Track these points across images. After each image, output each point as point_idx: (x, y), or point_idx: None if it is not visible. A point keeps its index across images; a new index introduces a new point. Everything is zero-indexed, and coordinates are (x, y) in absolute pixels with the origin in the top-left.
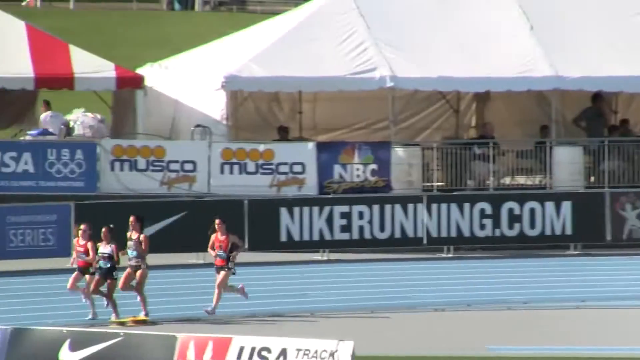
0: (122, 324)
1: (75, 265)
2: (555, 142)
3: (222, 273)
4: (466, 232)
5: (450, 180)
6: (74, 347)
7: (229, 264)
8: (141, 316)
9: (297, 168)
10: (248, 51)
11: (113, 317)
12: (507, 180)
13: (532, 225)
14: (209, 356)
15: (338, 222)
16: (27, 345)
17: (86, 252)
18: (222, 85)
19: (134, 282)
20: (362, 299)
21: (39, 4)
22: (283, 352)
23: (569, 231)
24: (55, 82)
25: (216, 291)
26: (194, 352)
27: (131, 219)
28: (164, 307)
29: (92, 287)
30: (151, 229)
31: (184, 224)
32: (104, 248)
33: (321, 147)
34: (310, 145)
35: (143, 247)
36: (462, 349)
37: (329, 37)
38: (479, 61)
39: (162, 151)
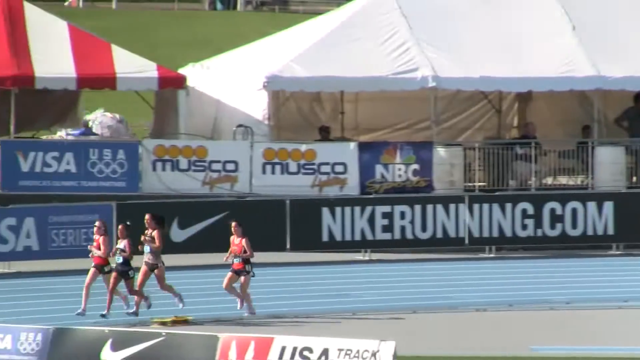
0: (164, 323)
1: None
2: (597, 142)
3: (242, 278)
4: (508, 232)
5: (492, 180)
6: (115, 347)
7: (246, 267)
8: (183, 316)
9: (339, 168)
10: (290, 51)
11: (103, 312)
12: (549, 181)
13: (574, 225)
14: (250, 356)
15: (380, 222)
16: (69, 345)
17: (98, 248)
18: (264, 85)
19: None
20: (404, 299)
21: (81, 4)
22: (325, 352)
23: (610, 231)
24: (98, 82)
25: (244, 295)
26: (236, 352)
27: (147, 216)
28: (205, 307)
29: (110, 285)
30: (193, 229)
31: (226, 224)
32: (119, 244)
33: (363, 147)
34: (352, 145)
35: (157, 242)
36: (504, 349)
37: (371, 37)
38: (521, 61)
39: (204, 151)
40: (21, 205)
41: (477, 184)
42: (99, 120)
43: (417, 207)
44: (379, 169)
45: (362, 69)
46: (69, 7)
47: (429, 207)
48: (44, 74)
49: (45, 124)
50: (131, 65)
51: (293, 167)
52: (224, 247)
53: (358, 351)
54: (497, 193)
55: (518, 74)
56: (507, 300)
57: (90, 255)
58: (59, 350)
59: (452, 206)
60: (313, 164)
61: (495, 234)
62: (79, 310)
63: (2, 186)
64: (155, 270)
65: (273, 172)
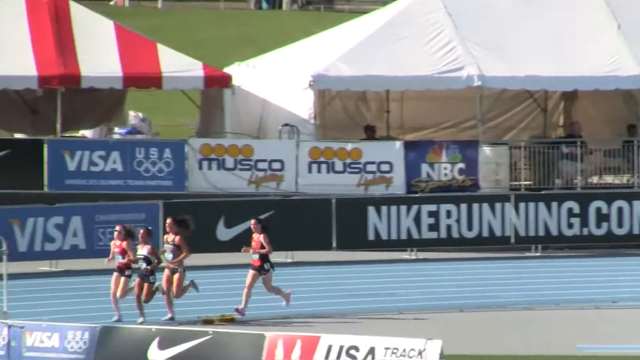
0: (210, 322)
1: (110, 263)
2: None
3: (263, 277)
4: (554, 231)
5: (537, 179)
6: (162, 346)
7: (265, 264)
8: (230, 315)
9: (385, 167)
10: (336, 50)
11: (139, 320)
12: (594, 179)
13: (620, 224)
14: (297, 355)
15: (426, 220)
16: (116, 343)
17: (122, 253)
18: (309, 84)
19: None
20: (450, 298)
21: (127, 3)
22: (371, 351)
23: None
24: (144, 81)
25: (273, 294)
26: (283, 350)
27: (168, 221)
28: (251, 306)
29: (135, 290)
30: (239, 228)
31: (272, 223)
32: (142, 250)
33: (409, 146)
34: (398, 144)
35: (183, 252)
36: (551, 348)
37: (417, 36)
38: (567, 60)
39: (250, 150)
40: (68, 204)
41: (522, 182)
42: None
43: (463, 206)
44: (424, 168)
45: (407, 68)
46: (115, 6)
47: (475, 206)
48: (90, 73)
49: (91, 123)
50: (177, 64)
51: (339, 166)
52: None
53: (404, 350)
54: (543, 192)
55: (563, 73)
56: (553, 299)
57: (107, 260)
58: (106, 348)
59: (498, 205)
60: (359, 163)
61: (541, 233)
62: (115, 318)
63: (49, 185)
64: (176, 275)
65: (319, 171)
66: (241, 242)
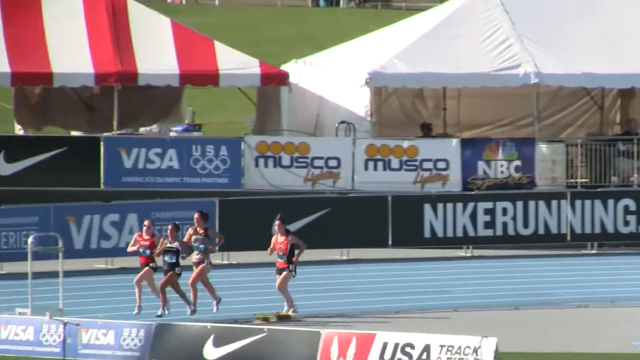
0: (266, 319)
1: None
2: None
3: (283, 274)
4: (610, 229)
5: (594, 176)
6: (217, 343)
7: (290, 266)
8: (286, 312)
9: (441, 164)
10: (392, 47)
11: (159, 312)
12: None
13: None
14: (352, 352)
15: (482, 218)
16: (171, 340)
17: (151, 247)
18: (366, 82)
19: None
20: (506, 295)
21: (184, 0)
22: (426, 348)
23: None
24: (200, 78)
25: (282, 295)
26: (338, 348)
27: (196, 215)
28: (307, 303)
29: (164, 279)
30: (295, 225)
31: (328, 221)
32: (170, 245)
33: (465, 143)
34: (455, 141)
35: (218, 239)
36: (607, 345)
37: (474, 33)
38: (624, 58)
39: (306, 147)
40: (124, 201)
41: (579, 180)
42: None
43: (519, 204)
44: (481, 166)
45: (464, 65)
46: (172, 4)
47: (531, 204)
48: (147, 70)
49: (147, 120)
50: (234, 62)
51: (395, 163)
52: (326, 243)
53: (460, 347)
54: (599, 189)
55: (620, 70)
56: (609, 296)
57: (130, 250)
58: (162, 345)
59: (554, 202)
60: (415, 160)
61: (597, 230)
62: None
63: (105, 183)
64: (201, 266)
65: (375, 169)
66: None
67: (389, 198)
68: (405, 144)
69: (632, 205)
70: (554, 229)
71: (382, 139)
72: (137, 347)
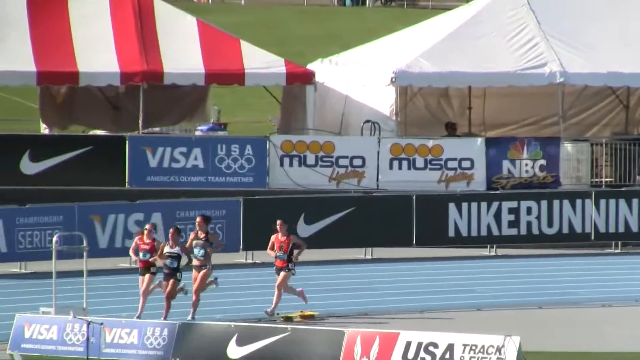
0: (290, 319)
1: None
2: None
3: (282, 274)
4: (634, 228)
5: (618, 175)
6: (241, 342)
7: (289, 265)
8: (309, 311)
9: (466, 164)
10: (418, 47)
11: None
12: None
13: None
14: (375, 351)
15: (506, 217)
16: (195, 339)
17: (151, 251)
18: (391, 81)
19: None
20: (530, 295)
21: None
22: (450, 348)
23: None
24: (226, 77)
25: (276, 292)
26: (361, 347)
27: (198, 219)
28: (331, 302)
29: (168, 289)
30: (319, 225)
31: (353, 220)
32: (171, 249)
33: (490, 142)
34: (479, 140)
35: (218, 245)
36: (630, 345)
37: (499, 33)
38: None
39: (331, 147)
40: (149, 200)
41: (603, 179)
42: None
43: (544, 203)
44: (505, 165)
45: (490, 64)
46: (198, 3)
47: (555, 203)
48: (173, 69)
49: (173, 119)
50: (259, 61)
51: (420, 162)
52: (350, 242)
53: (483, 346)
54: (623, 189)
55: None
56: (633, 295)
57: (135, 260)
58: (185, 345)
59: (578, 202)
60: (440, 159)
61: (622, 229)
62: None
63: (130, 182)
64: (203, 271)
65: (400, 168)
66: (321, 239)
67: (414, 197)
68: (430, 143)
69: None
70: (578, 229)
71: (407, 138)
72: (160, 346)
